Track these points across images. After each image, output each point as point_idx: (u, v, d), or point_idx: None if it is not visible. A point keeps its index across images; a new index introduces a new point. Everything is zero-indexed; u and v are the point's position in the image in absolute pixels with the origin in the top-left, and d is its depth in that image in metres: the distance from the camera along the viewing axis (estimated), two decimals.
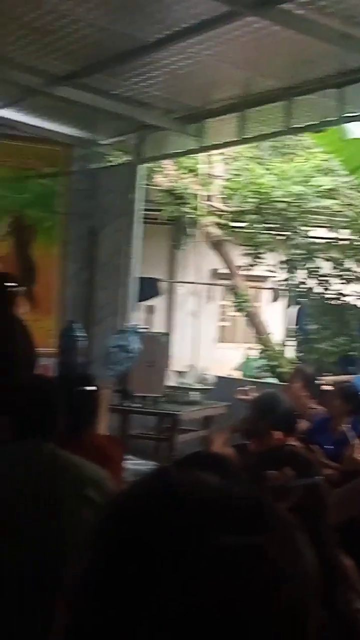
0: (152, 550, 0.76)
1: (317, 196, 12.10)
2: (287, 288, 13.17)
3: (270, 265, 12.88)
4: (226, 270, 13.01)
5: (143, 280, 9.36)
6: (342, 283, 12.43)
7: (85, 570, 0.80)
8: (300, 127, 7.47)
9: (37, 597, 2.62)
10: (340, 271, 12.40)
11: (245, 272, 12.94)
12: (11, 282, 5.84)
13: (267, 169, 12.11)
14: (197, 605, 0.73)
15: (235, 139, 7.82)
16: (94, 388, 4.43)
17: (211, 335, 14.20)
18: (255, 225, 12.00)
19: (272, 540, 0.78)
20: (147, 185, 9.47)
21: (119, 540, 0.78)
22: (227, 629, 0.73)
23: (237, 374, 10.60)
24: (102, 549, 0.79)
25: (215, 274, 14.12)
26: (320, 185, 12.07)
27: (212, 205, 11.86)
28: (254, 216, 11.95)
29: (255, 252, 12.32)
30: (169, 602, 0.74)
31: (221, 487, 0.83)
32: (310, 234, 12.78)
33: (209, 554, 0.75)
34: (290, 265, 12.65)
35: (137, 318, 9.01)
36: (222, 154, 11.11)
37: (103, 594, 0.76)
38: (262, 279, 14.43)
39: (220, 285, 14.02)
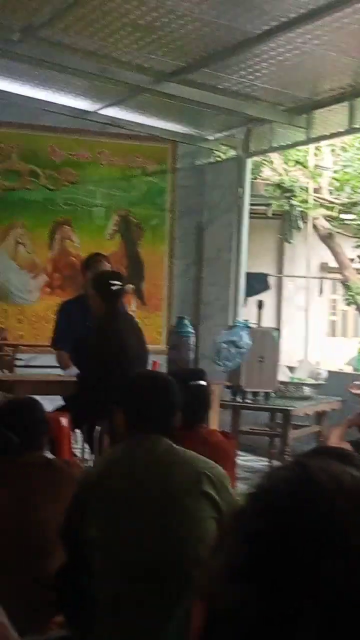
0: (304, 542, 0.73)
1: None
2: None
3: None
4: (336, 264, 12.84)
5: (252, 275, 9.31)
6: None
7: (228, 568, 0.76)
8: None
9: (154, 590, 2.61)
10: None
11: (356, 265, 12.73)
12: (121, 280, 5.87)
13: None
14: (353, 596, 0.71)
15: (345, 130, 7.68)
16: (205, 383, 4.42)
17: (321, 329, 14.04)
18: None
19: None
20: (255, 179, 9.40)
21: (267, 535, 0.75)
22: None
23: (349, 369, 10.44)
24: (247, 545, 0.76)
25: (325, 267, 13.95)
26: None
27: (321, 198, 11.71)
28: None
29: None
30: (325, 595, 0.71)
31: None
32: None
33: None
34: None
35: (246, 313, 8.96)
36: (331, 145, 10.94)
37: (252, 590, 0.73)
38: None
39: (330, 278, 13.85)
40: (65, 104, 8.61)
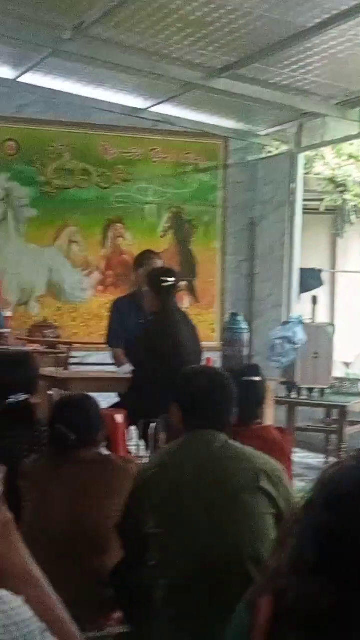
0: None
1: None
2: None
3: None
4: None
5: (305, 271, 9.24)
6: None
7: (296, 562, 0.75)
8: None
9: (213, 586, 2.60)
10: None
11: None
12: (174, 276, 5.86)
13: None
14: None
15: None
16: (259, 379, 4.39)
17: None
18: None
19: None
20: (307, 174, 9.34)
21: (336, 526, 0.74)
22: None
23: None
24: (316, 537, 0.74)
25: None
26: None
27: None
28: None
29: None
30: None
31: None
32: None
33: None
34: None
35: (300, 309, 8.90)
36: None
37: (324, 583, 0.71)
38: None
39: None
40: (116, 101, 8.64)
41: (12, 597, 1.31)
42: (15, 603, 1.30)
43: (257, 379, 4.34)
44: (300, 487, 4.69)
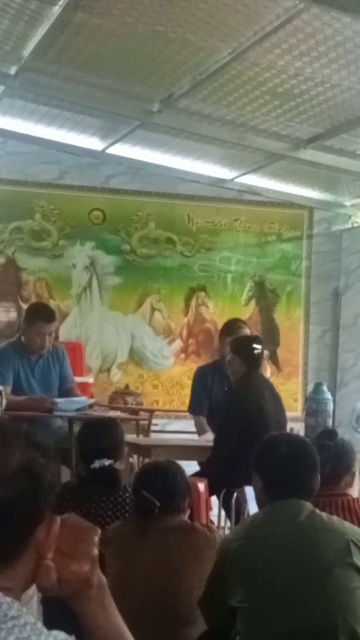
0: None
1: None
2: None
3: None
4: None
5: None
6: None
7: None
8: None
9: None
10: None
11: None
12: (259, 344, 5.83)
13: None
14: None
15: None
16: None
17: None
18: None
19: None
20: None
21: None
22: None
23: None
24: None
25: None
26: None
27: None
28: None
29: None
30: None
31: None
32: None
33: None
34: None
35: None
36: None
37: None
38: None
39: None
40: (202, 172, 8.74)
41: None
42: None
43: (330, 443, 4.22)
44: None
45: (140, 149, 8.38)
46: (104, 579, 1.49)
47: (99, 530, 1.51)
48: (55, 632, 1.30)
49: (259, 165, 8.21)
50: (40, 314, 6.34)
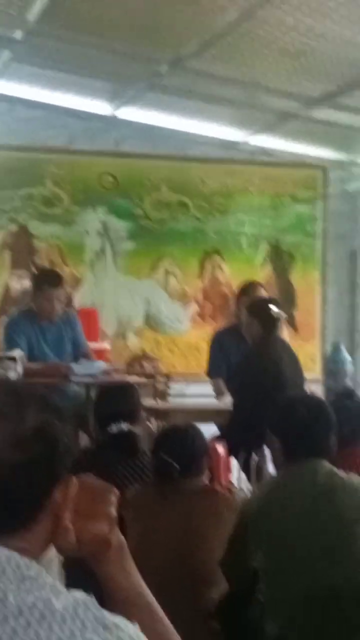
0: None
1: None
2: None
3: None
4: None
5: None
6: None
7: None
8: None
9: (328, 618, 2.50)
10: None
11: None
12: (276, 307, 5.78)
13: None
14: None
15: None
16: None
17: None
18: None
19: None
20: None
21: None
22: None
23: None
24: None
25: None
26: None
27: None
28: None
29: None
30: None
31: None
32: None
33: None
34: None
35: None
36: None
37: None
38: None
39: None
40: (213, 134, 8.66)
41: (128, 624, 1.28)
42: (132, 630, 1.27)
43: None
44: None
45: (149, 112, 8.31)
46: (123, 539, 1.48)
47: (117, 490, 1.50)
48: (74, 592, 1.29)
49: (271, 125, 8.12)
50: (47, 280, 6.39)
